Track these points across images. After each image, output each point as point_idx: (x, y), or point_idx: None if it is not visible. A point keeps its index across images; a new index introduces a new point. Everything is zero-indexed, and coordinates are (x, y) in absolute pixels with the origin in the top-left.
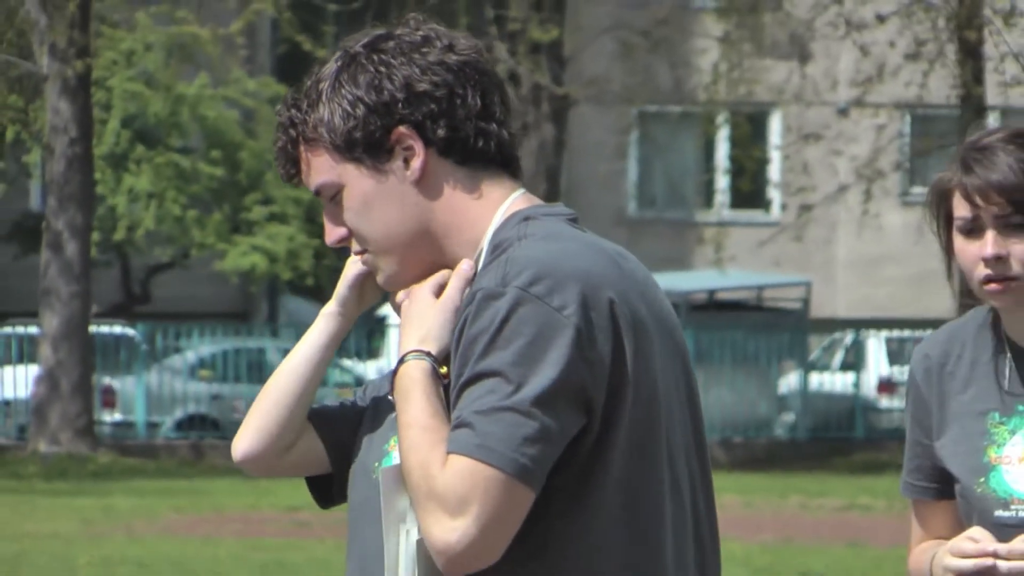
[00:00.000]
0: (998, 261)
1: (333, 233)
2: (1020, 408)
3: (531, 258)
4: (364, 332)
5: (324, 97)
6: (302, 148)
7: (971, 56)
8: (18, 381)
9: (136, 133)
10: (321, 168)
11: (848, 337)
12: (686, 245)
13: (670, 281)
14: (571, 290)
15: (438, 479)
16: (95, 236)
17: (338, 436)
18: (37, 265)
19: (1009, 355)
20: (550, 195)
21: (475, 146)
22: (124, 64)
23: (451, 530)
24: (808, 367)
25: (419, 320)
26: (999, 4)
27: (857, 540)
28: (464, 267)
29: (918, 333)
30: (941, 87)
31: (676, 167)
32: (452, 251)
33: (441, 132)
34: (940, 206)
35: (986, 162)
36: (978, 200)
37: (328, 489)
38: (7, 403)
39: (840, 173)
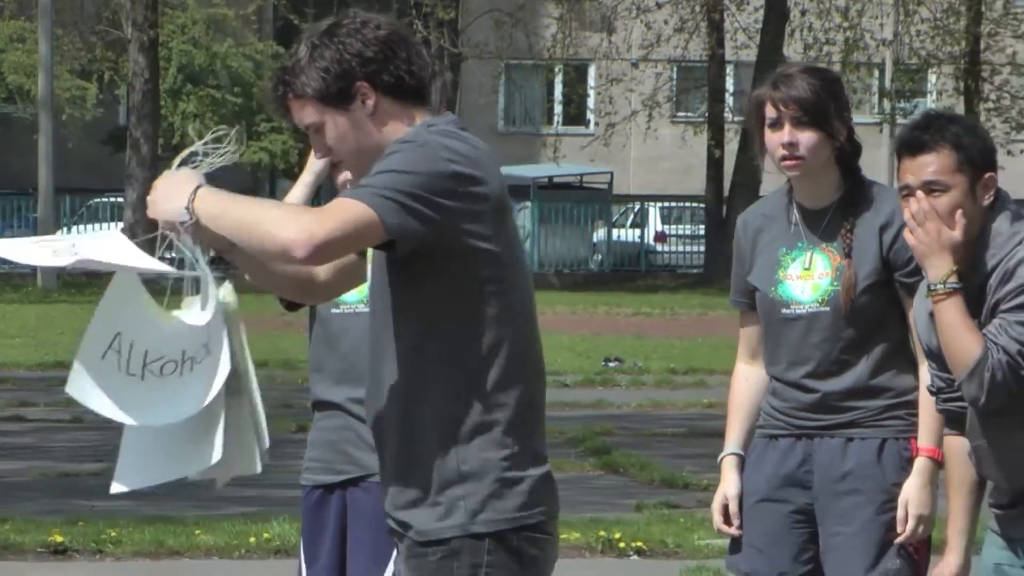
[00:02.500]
0: (791, 146)
1: (319, 155)
2: (799, 244)
3: (446, 134)
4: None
5: (306, 68)
6: (292, 100)
7: (716, 29)
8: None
9: (186, 76)
10: (308, 114)
11: (636, 206)
12: (534, 148)
13: (525, 170)
14: (480, 165)
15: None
16: (160, 141)
17: None
18: (123, 159)
19: (796, 210)
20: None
21: (406, 85)
22: (179, 32)
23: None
24: (610, 225)
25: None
26: None
27: (641, 334)
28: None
29: (680, 204)
30: (696, 49)
31: (528, 99)
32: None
33: (386, 78)
34: (757, 110)
35: (788, 83)
36: (781, 107)
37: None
38: None
39: (632, 103)
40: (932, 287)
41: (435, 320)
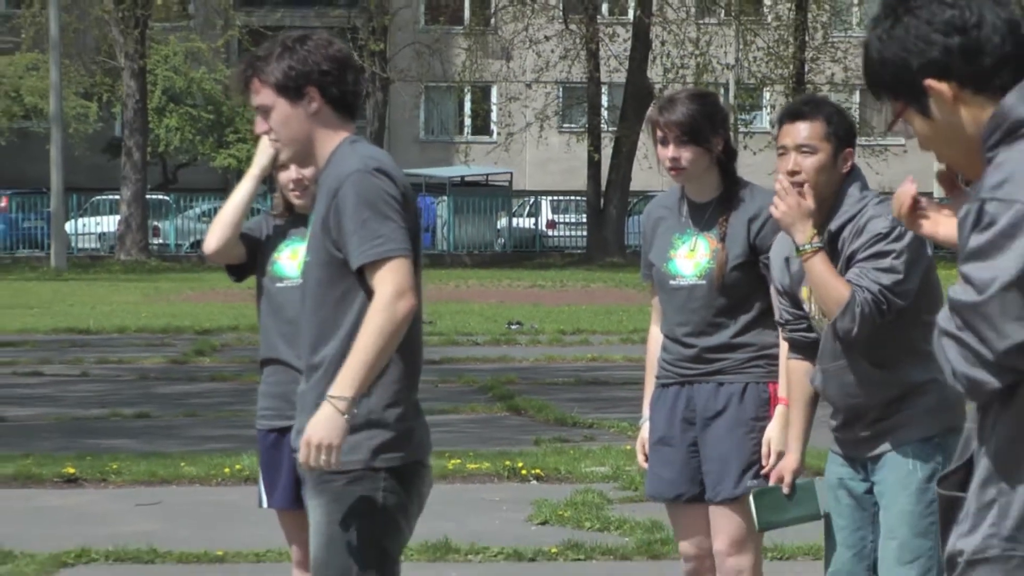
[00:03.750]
0: (675, 160)
1: (260, 128)
2: (688, 231)
3: (371, 155)
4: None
5: (274, 61)
6: (256, 82)
7: (593, 57)
8: (110, 222)
9: (169, 97)
10: (264, 96)
11: (531, 200)
12: (449, 153)
13: (442, 171)
14: (396, 171)
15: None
16: (148, 149)
17: (252, 240)
18: (119, 164)
19: (686, 203)
20: (380, 130)
21: (346, 103)
22: (163, 61)
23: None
24: (511, 215)
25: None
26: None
27: (536, 302)
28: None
29: (567, 198)
30: (578, 72)
31: (443, 113)
32: (319, 153)
33: (333, 91)
34: (651, 128)
35: (671, 109)
36: (665, 129)
37: (240, 273)
38: (103, 234)
39: (526, 117)
40: (800, 248)
41: (349, 294)
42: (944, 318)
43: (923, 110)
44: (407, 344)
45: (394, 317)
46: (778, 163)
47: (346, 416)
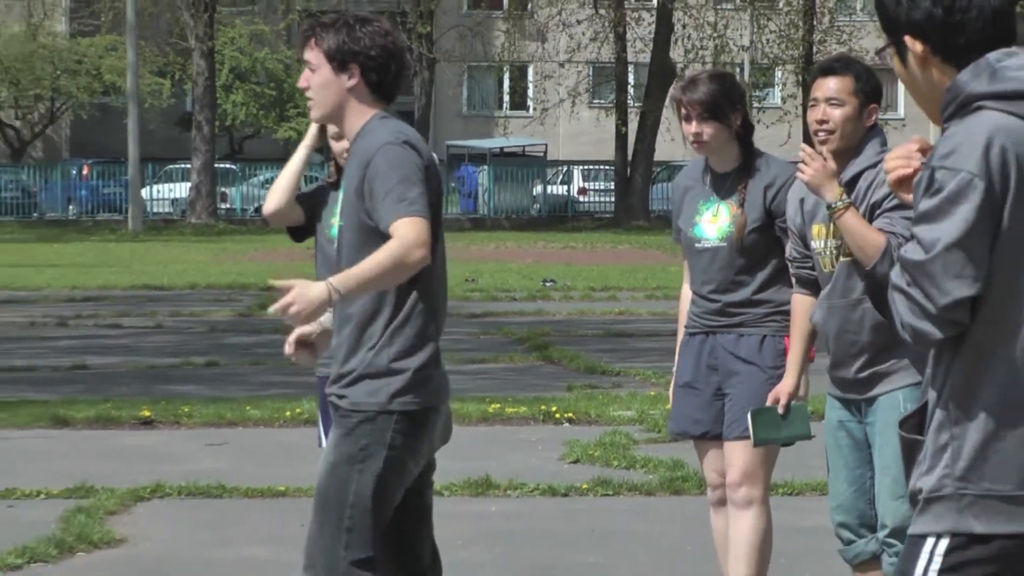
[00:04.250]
0: (697, 135)
1: (303, 81)
2: (711, 198)
3: (399, 129)
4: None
5: (333, 32)
6: (312, 41)
7: (620, 39)
8: (182, 189)
9: (235, 75)
10: (314, 56)
11: (564, 169)
12: (490, 127)
13: (484, 143)
14: (422, 144)
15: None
16: (216, 123)
17: (309, 204)
18: (190, 136)
19: (709, 173)
20: (427, 105)
21: (383, 87)
22: (229, 43)
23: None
24: (545, 183)
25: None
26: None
27: (569, 262)
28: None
29: (596, 167)
30: (606, 53)
31: (484, 90)
32: (347, 123)
33: (373, 76)
34: (675, 106)
35: (693, 88)
36: (688, 107)
37: (300, 234)
38: (175, 199)
39: (559, 94)
40: (832, 206)
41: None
42: (896, 274)
43: (902, 57)
44: (427, 300)
45: (407, 256)
46: (809, 114)
47: (331, 304)
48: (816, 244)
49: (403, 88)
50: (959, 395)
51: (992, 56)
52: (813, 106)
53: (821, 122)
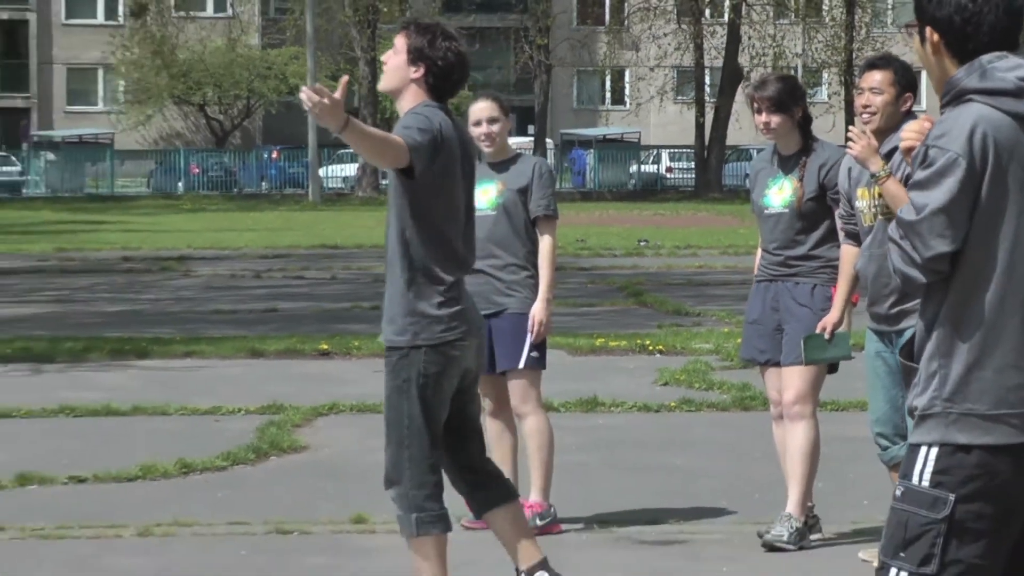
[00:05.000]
0: (766, 124)
1: (384, 57)
2: (778, 175)
3: (430, 111)
4: None
5: (419, 34)
6: (404, 32)
7: (698, 49)
8: (351, 169)
9: None
10: (399, 45)
11: (654, 152)
12: (595, 118)
13: (589, 131)
14: (443, 123)
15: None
16: (378, 116)
17: None
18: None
19: (776, 156)
20: (545, 102)
21: (439, 89)
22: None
23: None
24: (639, 163)
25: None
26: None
27: (659, 226)
28: None
29: (680, 150)
30: (688, 59)
31: (591, 89)
32: (401, 102)
33: (431, 79)
34: (749, 101)
35: (764, 87)
36: (759, 102)
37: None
38: (346, 177)
39: (651, 92)
40: (876, 175)
41: (401, 215)
42: (892, 229)
43: (922, 39)
44: (442, 249)
45: (387, 152)
46: (857, 99)
47: (338, 128)
48: (859, 204)
49: (525, 88)
50: (945, 333)
51: (985, 58)
52: (860, 93)
53: (865, 106)
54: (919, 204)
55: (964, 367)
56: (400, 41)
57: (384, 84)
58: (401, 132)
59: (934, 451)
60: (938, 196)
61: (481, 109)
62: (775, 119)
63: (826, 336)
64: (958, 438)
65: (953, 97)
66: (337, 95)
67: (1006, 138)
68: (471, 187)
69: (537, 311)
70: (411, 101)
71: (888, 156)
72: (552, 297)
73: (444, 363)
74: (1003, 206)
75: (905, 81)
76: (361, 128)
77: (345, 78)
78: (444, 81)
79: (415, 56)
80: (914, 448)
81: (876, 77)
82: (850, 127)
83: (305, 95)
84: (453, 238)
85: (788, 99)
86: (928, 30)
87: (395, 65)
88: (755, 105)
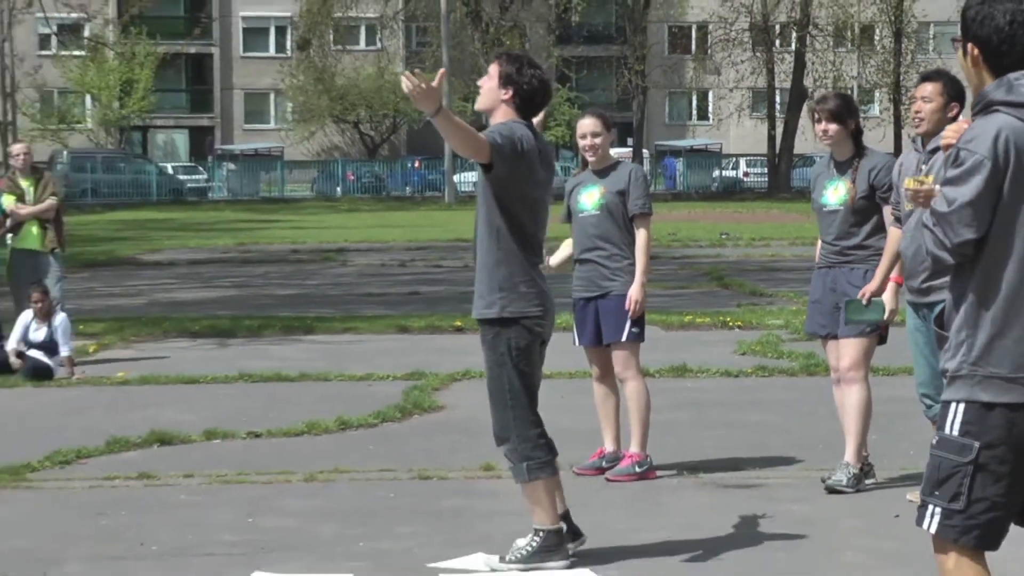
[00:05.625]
0: (825, 132)
1: (481, 81)
2: (834, 178)
3: (514, 125)
4: None
5: (511, 63)
6: (498, 61)
7: (770, 73)
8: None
9: None
10: (491, 73)
11: (733, 159)
12: (684, 131)
13: (679, 142)
14: (523, 136)
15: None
16: None
17: (565, 190)
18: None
19: (832, 161)
20: (641, 118)
21: (525, 109)
22: None
23: None
24: (721, 168)
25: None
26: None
27: (738, 221)
28: None
29: (755, 158)
30: (760, 82)
31: (680, 107)
32: (493, 119)
33: (518, 100)
34: (811, 114)
35: (825, 101)
36: (820, 113)
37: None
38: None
39: (730, 109)
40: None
41: (488, 207)
42: (926, 217)
43: (964, 52)
44: (522, 239)
45: (473, 146)
46: (912, 106)
47: (433, 112)
48: (905, 192)
49: (625, 106)
50: (971, 307)
51: (1012, 75)
52: (913, 101)
53: (916, 112)
54: (950, 198)
55: (987, 336)
56: (493, 68)
57: (480, 104)
58: (487, 133)
59: (962, 407)
60: (966, 191)
61: (586, 125)
62: (832, 128)
63: (864, 302)
64: (982, 396)
65: (983, 107)
66: (434, 83)
67: None
68: (549, 186)
69: (634, 292)
70: (501, 118)
71: (932, 153)
72: (647, 281)
73: (531, 337)
74: (1022, 200)
75: (953, 92)
76: (452, 117)
77: (442, 70)
78: (528, 102)
79: (505, 81)
80: (946, 404)
81: (928, 88)
82: (913, 102)
83: (405, 80)
84: (533, 228)
85: (844, 112)
86: (970, 45)
87: (489, 88)
88: (816, 116)
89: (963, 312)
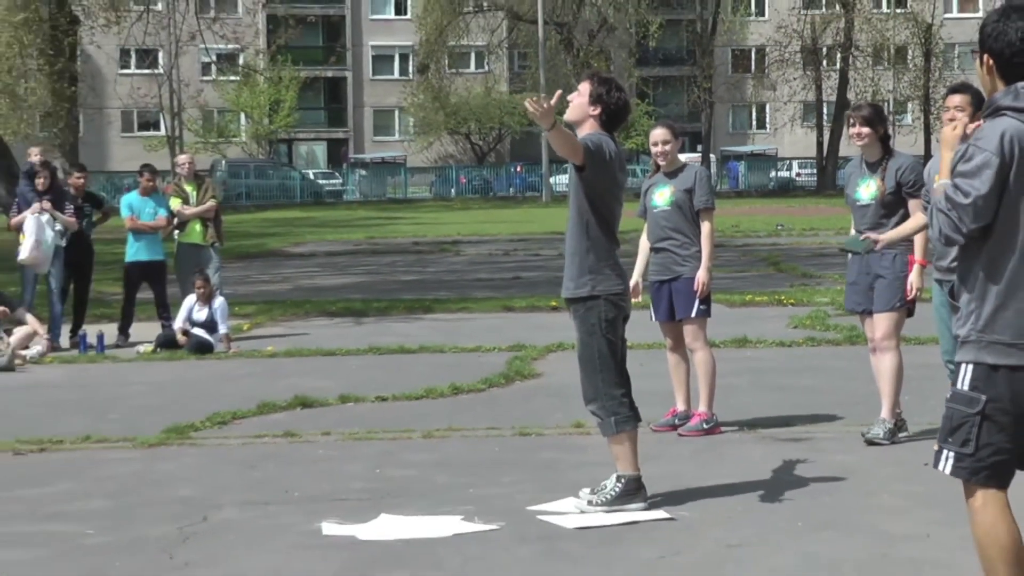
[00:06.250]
0: (859, 134)
1: (571, 96)
2: (865, 176)
3: (603, 135)
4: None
5: (601, 84)
6: (589, 80)
7: (817, 88)
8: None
9: None
10: (582, 89)
11: (787, 162)
12: (745, 138)
13: (740, 148)
14: (607, 144)
15: None
16: None
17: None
18: None
19: (864, 163)
20: (708, 128)
21: (609, 123)
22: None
23: None
24: (777, 169)
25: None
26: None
27: (790, 215)
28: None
29: (805, 160)
30: (811, 96)
31: (741, 119)
32: (581, 131)
33: (604, 116)
34: (847, 119)
35: (859, 109)
36: (854, 119)
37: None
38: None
39: (784, 118)
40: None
41: (579, 203)
42: (940, 203)
43: (981, 62)
44: (605, 229)
45: (570, 148)
46: (943, 115)
47: (549, 125)
48: (932, 185)
49: (695, 118)
50: (980, 283)
51: (1020, 84)
52: (946, 111)
53: (951, 119)
54: (966, 190)
55: (992, 308)
56: (584, 86)
57: (569, 116)
58: (582, 139)
59: (971, 367)
60: (979, 185)
61: (657, 134)
62: (865, 131)
63: (860, 238)
64: (987, 359)
65: (991, 111)
66: (552, 102)
67: None
68: (624, 186)
69: (701, 275)
70: (588, 130)
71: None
72: (711, 265)
73: (616, 311)
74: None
75: (978, 102)
76: (563, 130)
77: (559, 92)
78: (613, 119)
79: (595, 99)
80: (957, 364)
81: (957, 99)
82: (946, 112)
83: (529, 103)
84: (613, 221)
85: (875, 119)
86: (986, 56)
87: (579, 103)
88: (851, 121)
89: (971, 287)
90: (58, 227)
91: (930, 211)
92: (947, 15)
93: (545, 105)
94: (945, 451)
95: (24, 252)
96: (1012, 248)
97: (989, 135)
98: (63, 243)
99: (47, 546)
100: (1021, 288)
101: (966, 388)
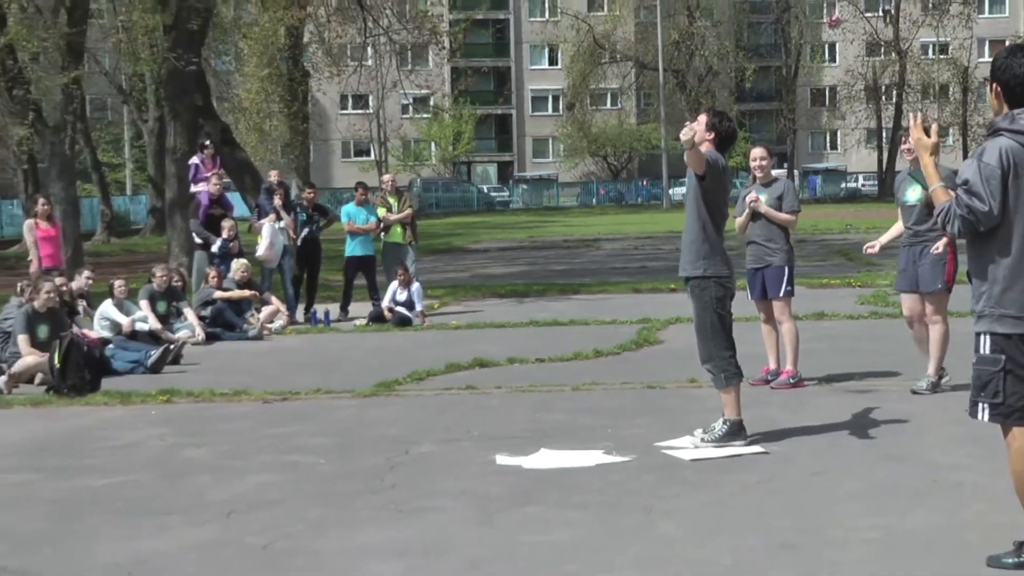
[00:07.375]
0: (909, 150)
1: (693, 123)
2: (912, 183)
3: (718, 154)
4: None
5: (716, 116)
6: (705, 112)
7: (877, 119)
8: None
9: None
10: (702, 119)
11: (855, 176)
12: (821, 157)
13: (817, 164)
14: (719, 157)
15: None
16: None
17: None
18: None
19: (911, 171)
20: (793, 149)
21: (720, 146)
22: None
23: None
24: (845, 181)
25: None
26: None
27: (856, 218)
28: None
29: (868, 174)
30: (872, 124)
31: (817, 139)
32: (702, 148)
33: (716, 141)
34: (901, 137)
35: (908, 130)
36: (905, 137)
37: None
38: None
39: (850, 143)
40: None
41: (697, 204)
42: (959, 205)
43: (990, 89)
44: (718, 227)
45: (703, 159)
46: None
47: (690, 143)
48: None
49: (781, 142)
50: (990, 268)
51: (1016, 111)
52: (904, 142)
53: (908, 150)
54: (983, 198)
55: (1001, 288)
56: (703, 117)
57: (688, 137)
58: (704, 155)
59: (988, 336)
60: (993, 194)
61: (757, 152)
62: (912, 147)
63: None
64: (999, 329)
65: (992, 132)
66: (697, 130)
67: (1021, 157)
68: (729, 194)
69: (764, 209)
70: (704, 150)
71: None
72: (778, 219)
73: (724, 290)
74: (1020, 193)
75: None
76: (698, 150)
77: (698, 123)
78: (724, 142)
79: (711, 127)
80: (978, 335)
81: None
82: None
83: (686, 129)
84: (721, 220)
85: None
86: (995, 85)
87: (700, 130)
88: (903, 139)
89: (984, 271)
90: (283, 224)
91: (948, 211)
92: (980, 59)
93: (693, 132)
94: (980, 404)
95: (260, 251)
96: (1013, 239)
97: (992, 152)
98: (298, 243)
99: (291, 471)
100: (1023, 272)
101: (988, 351)
